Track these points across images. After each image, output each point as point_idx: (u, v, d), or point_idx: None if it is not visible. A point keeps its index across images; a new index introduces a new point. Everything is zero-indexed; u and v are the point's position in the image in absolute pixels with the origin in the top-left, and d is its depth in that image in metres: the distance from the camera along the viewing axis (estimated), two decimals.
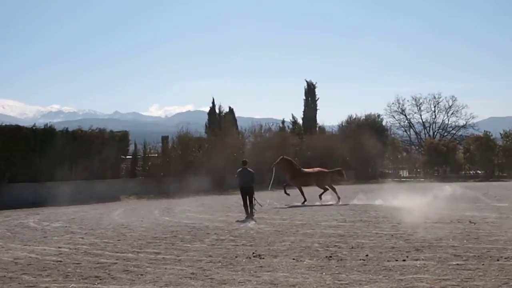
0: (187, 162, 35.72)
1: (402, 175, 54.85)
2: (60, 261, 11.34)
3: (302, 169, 26.22)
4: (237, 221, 18.22)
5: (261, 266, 10.41)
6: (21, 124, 30.78)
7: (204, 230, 16.04)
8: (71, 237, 15.15)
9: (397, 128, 68.94)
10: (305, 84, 58.94)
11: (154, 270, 10.21)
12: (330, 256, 11.25)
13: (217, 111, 51.84)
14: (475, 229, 14.86)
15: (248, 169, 20.03)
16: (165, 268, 10.37)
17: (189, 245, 13.26)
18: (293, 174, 25.38)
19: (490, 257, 10.72)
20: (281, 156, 25.92)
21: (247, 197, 19.47)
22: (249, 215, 19.03)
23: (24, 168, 27.88)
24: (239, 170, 20.12)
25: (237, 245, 13.08)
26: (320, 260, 10.91)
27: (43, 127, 29.60)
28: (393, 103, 69.35)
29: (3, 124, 28.69)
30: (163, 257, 11.59)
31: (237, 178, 20.15)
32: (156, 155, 37.00)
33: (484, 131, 56.08)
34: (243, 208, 19.54)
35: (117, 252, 12.37)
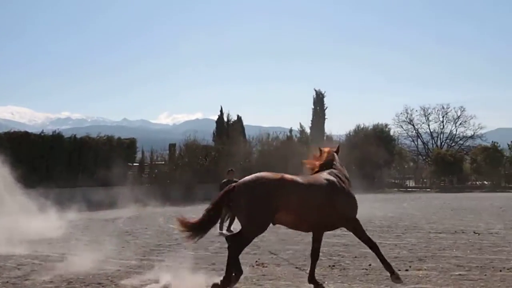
0: (194, 170, 35.78)
1: (408, 185, 54.83)
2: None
3: None
4: None
5: (263, 275, 10.43)
6: (29, 131, 30.98)
7: (209, 238, 16.04)
8: (75, 243, 15.19)
9: (405, 138, 68.89)
10: (314, 93, 59.19)
11: None
12: (333, 265, 11.26)
13: (225, 119, 52.01)
14: (479, 239, 14.85)
15: (235, 179, 17.97)
16: None
17: (193, 252, 13.30)
18: None
19: (493, 267, 10.71)
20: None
21: None
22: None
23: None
24: (224, 181, 18.80)
25: (241, 253, 13.08)
26: (323, 269, 10.91)
27: (51, 133, 29.73)
28: (401, 113, 69.29)
29: (12, 131, 28.96)
30: (166, 265, 11.62)
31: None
32: (163, 162, 37.12)
33: (492, 141, 56.05)
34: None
35: (121, 259, 12.41)
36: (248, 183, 8.57)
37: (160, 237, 16.43)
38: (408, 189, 51.96)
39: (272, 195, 8.42)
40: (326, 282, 9.65)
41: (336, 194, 9.02)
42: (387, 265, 9.05)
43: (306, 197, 8.68)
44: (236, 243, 8.75)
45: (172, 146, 38.52)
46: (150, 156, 37.38)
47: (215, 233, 16.99)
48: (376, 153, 47.83)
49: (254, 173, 8.87)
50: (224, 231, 17.36)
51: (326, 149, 10.02)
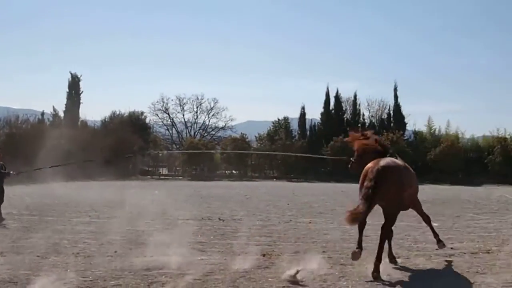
0: None
1: (162, 173, 55.83)
2: None
3: None
4: None
5: (1, 264, 9.84)
6: None
7: None
8: None
9: (160, 127, 70.01)
10: (70, 76, 57.35)
11: None
12: (78, 253, 11.03)
13: None
14: (223, 225, 15.65)
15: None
16: None
17: None
18: None
19: (233, 252, 11.35)
20: None
21: None
22: None
23: None
24: None
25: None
26: (67, 257, 10.63)
27: None
28: (157, 102, 70.18)
29: None
30: None
31: None
32: None
33: (241, 133, 59.39)
34: None
35: None
36: (398, 169, 9.59)
37: None
38: (161, 177, 52.86)
39: (406, 180, 9.74)
40: (68, 270, 9.41)
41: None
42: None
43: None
44: (387, 229, 9.59)
45: None
46: None
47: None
48: (131, 140, 47.91)
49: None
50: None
51: (372, 134, 10.88)
